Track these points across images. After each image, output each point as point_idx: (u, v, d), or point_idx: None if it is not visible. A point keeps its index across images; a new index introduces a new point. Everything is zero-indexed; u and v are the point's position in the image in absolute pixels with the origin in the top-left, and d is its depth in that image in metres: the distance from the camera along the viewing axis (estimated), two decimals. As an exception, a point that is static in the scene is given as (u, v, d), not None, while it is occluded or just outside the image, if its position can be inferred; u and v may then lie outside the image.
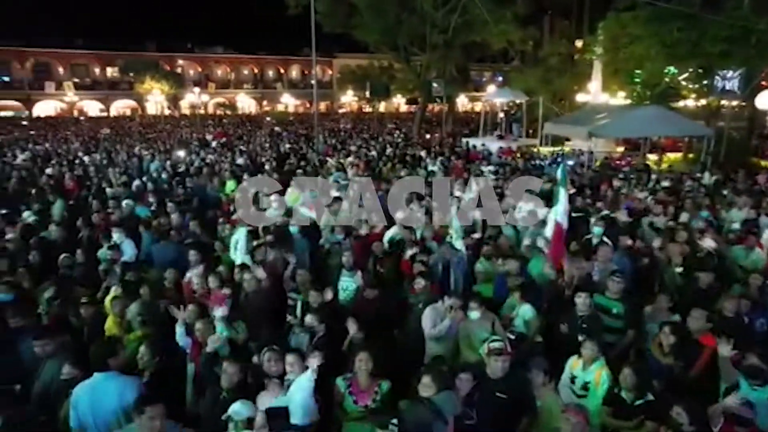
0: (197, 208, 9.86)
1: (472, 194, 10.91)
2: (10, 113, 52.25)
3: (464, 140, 23.05)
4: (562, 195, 6.99)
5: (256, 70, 67.05)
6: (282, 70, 67.92)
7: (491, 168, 14.91)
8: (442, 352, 5.04)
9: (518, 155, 19.29)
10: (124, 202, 9.72)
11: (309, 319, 5.04)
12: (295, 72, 68.95)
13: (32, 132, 29.18)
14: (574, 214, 10.11)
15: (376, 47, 32.02)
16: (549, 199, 11.22)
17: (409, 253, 6.96)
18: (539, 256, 7.01)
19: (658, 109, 17.85)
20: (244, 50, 64.34)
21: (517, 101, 25.10)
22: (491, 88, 32.58)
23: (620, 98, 25.51)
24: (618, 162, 17.21)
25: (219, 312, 4.97)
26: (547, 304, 5.65)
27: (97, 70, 58.10)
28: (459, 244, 7.24)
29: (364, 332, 5.04)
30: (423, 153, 18.24)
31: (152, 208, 9.75)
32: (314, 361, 3.88)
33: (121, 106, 57.86)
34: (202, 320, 4.76)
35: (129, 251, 7.09)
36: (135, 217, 9.15)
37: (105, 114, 55.00)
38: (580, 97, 26.27)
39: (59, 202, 9.72)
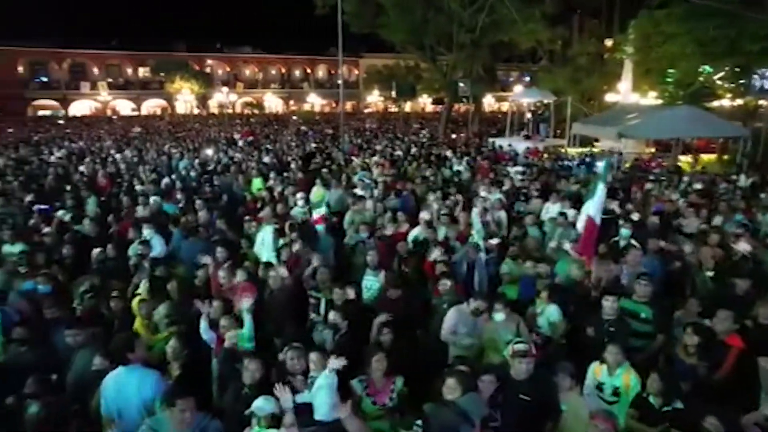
0: (224, 206, 9.99)
1: (498, 195, 10.84)
2: (48, 112, 54.03)
3: (490, 140, 22.85)
4: (600, 190, 6.85)
5: (283, 70, 67.73)
6: (309, 70, 68.45)
7: (518, 168, 14.71)
8: (466, 353, 5.00)
9: (545, 156, 19.05)
10: (152, 199, 9.94)
11: (333, 316, 5.06)
12: (321, 72, 69.43)
13: (68, 130, 30.06)
14: (603, 216, 10.01)
15: (402, 47, 32.00)
16: (578, 200, 11.19)
17: (433, 255, 6.91)
18: (566, 257, 6.91)
19: (691, 110, 17.40)
20: (272, 50, 65.06)
21: (545, 101, 24.75)
22: (518, 88, 32.25)
23: (651, 98, 24.94)
24: (648, 163, 16.82)
25: (245, 303, 5.00)
26: (573, 307, 5.54)
27: (129, 71, 59.54)
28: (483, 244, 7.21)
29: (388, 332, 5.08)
30: (449, 153, 18.15)
31: (180, 205, 9.92)
32: (335, 363, 3.90)
33: (152, 106, 59.17)
34: (227, 316, 4.81)
35: (158, 247, 7.22)
36: (163, 214, 9.35)
37: (136, 113, 56.29)
38: (610, 97, 25.78)
39: (92, 198, 9.99)
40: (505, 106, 65.84)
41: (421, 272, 6.88)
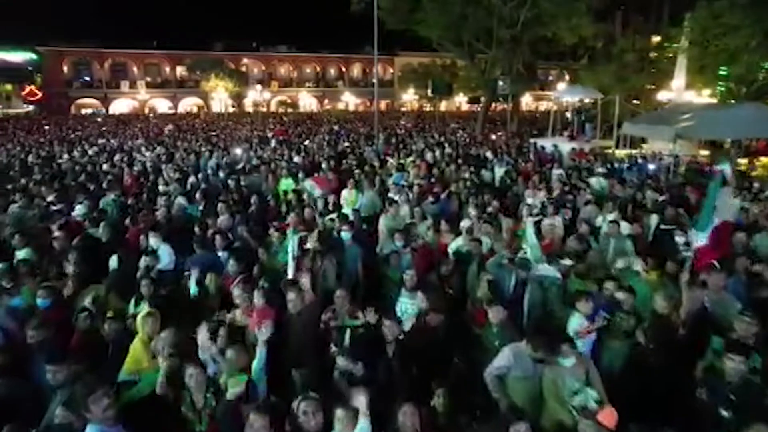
0: (250, 209, 9.27)
1: (542, 199, 9.83)
2: (90, 110, 55.39)
3: (532, 141, 21.63)
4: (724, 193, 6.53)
5: (318, 69, 67.67)
6: (343, 69, 68.18)
7: (561, 172, 13.57)
8: (520, 400, 4.11)
9: (592, 157, 17.79)
10: (177, 201, 9.37)
11: (341, 362, 4.21)
12: (356, 70, 69.08)
13: (104, 128, 30.32)
14: (663, 227, 8.90)
15: (439, 44, 31.06)
16: (634, 207, 10.05)
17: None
18: (636, 278, 5.92)
19: (754, 108, 15.84)
20: (307, 49, 65.16)
21: (586, 99, 23.33)
22: (561, 86, 30.76)
23: (706, 96, 23.27)
24: (708, 167, 15.38)
25: (262, 333, 4.26)
26: (654, 345, 4.53)
27: (167, 70, 60.50)
28: (535, 260, 6.25)
29: (419, 368, 4.25)
30: (488, 153, 17.12)
31: (201, 207, 9.30)
32: (362, 401, 3.20)
33: (188, 104, 59.95)
34: (235, 348, 4.06)
35: (166, 258, 6.52)
36: (186, 217, 8.75)
37: (173, 111, 57.04)
38: (662, 95, 24.17)
39: (109, 197, 9.46)
40: (543, 105, 64.42)
41: (465, 293, 6.02)
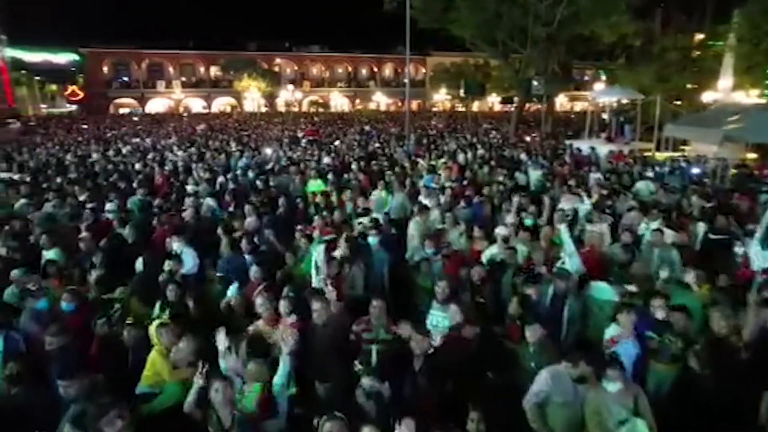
0: (277, 212, 9.10)
1: (587, 205, 9.39)
2: (127, 110, 56.92)
3: (567, 142, 20.97)
4: None
5: (350, 69, 67.83)
6: (375, 69, 68.16)
7: (599, 176, 12.98)
8: (561, 428, 3.78)
9: (631, 160, 17.07)
10: (206, 202, 9.29)
11: (367, 382, 3.90)
12: (388, 70, 68.96)
13: (139, 127, 30.95)
14: (712, 236, 8.34)
15: (472, 43, 30.53)
16: (679, 214, 9.49)
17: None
18: (685, 293, 5.48)
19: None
20: (339, 49, 65.42)
21: (623, 100, 22.44)
22: (599, 86, 29.82)
23: (754, 97, 22.11)
24: (761, 171, 14.53)
25: (287, 346, 4.03)
26: (709, 371, 4.11)
27: (201, 70, 61.64)
28: (574, 270, 5.87)
29: (453, 384, 3.96)
30: (523, 155, 16.62)
31: (230, 209, 9.20)
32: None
33: (222, 103, 60.89)
34: (257, 361, 3.84)
35: (189, 262, 6.37)
36: (214, 218, 8.66)
37: (207, 110, 58.03)
38: (706, 96, 23.11)
39: (136, 197, 9.45)
40: (577, 106, 62.90)
41: (499, 304, 5.69)
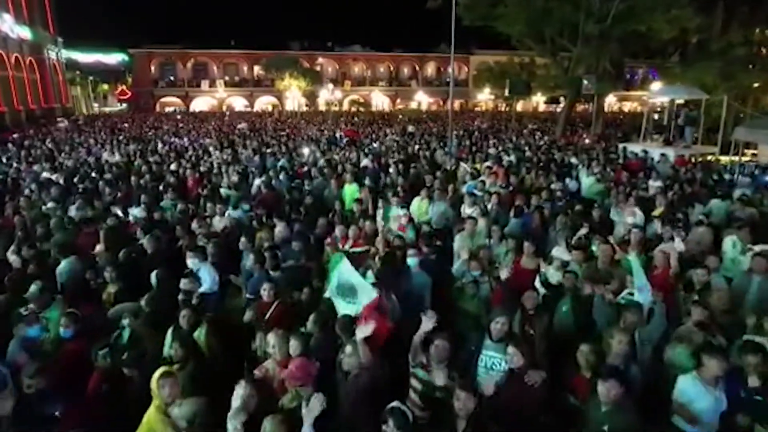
0: (309, 220, 8.46)
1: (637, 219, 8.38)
2: (172, 108, 58.20)
3: (620, 146, 19.60)
4: None
5: (391, 68, 67.34)
6: (417, 68, 67.42)
7: (660, 183, 11.79)
8: None
9: (692, 165, 15.67)
10: (228, 212, 8.73)
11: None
12: (430, 69, 68.10)
13: (181, 126, 31.17)
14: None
15: (518, 41, 29.35)
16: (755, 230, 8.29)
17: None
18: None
19: None
20: (381, 48, 65.01)
21: (679, 100, 20.79)
22: (656, 85, 27.98)
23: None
24: None
25: (308, 415, 3.33)
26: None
27: (245, 69, 62.43)
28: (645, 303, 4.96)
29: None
30: (573, 159, 15.51)
31: (261, 216, 8.65)
32: None
33: (264, 102, 61.42)
34: (272, 421, 3.16)
35: (208, 280, 5.78)
36: (241, 226, 8.12)
37: (249, 109, 58.62)
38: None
39: (166, 201, 9.03)
40: (626, 106, 60.14)
41: (551, 340, 4.83)
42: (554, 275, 5.91)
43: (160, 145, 19.22)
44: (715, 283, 5.77)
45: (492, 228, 7.57)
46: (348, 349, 3.96)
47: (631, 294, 5.20)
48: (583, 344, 4.22)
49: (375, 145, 19.98)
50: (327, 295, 5.18)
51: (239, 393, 3.43)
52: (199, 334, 4.56)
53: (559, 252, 6.11)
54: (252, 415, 3.31)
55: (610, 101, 51.96)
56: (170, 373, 3.63)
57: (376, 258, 6.26)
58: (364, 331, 3.93)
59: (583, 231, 7.53)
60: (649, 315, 4.85)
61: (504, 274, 5.71)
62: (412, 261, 5.99)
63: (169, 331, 4.57)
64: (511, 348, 4.01)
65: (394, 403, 3.29)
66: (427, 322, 4.05)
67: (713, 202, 9.68)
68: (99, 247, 6.46)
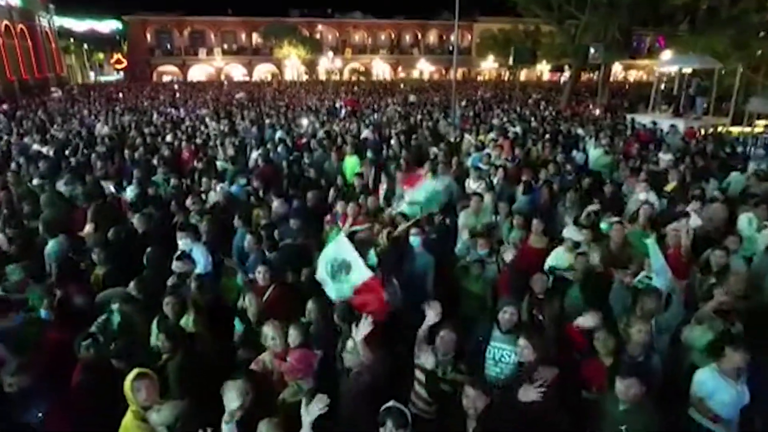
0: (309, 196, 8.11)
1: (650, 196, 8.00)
2: (169, 77, 57.12)
3: (628, 117, 19.07)
4: None
5: (393, 35, 65.88)
6: (419, 35, 65.96)
7: (670, 156, 11.39)
8: None
9: (702, 137, 15.24)
10: (219, 186, 8.35)
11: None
12: (432, 37, 66.62)
13: (178, 96, 30.46)
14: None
15: (524, 8, 28.40)
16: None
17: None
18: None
19: None
20: (382, 14, 63.52)
21: (687, 69, 20.10)
22: (666, 54, 27.14)
23: None
24: None
25: (308, 414, 2.99)
26: None
27: (243, 37, 61.00)
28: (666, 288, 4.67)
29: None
30: (580, 130, 15.07)
31: (257, 189, 8.32)
32: None
33: (262, 71, 60.24)
34: (268, 425, 2.89)
35: (202, 261, 5.45)
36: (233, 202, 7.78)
37: (247, 78, 57.51)
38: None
39: (158, 176, 8.67)
40: (632, 75, 58.84)
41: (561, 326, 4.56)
42: (564, 257, 5.61)
43: (155, 116, 18.69)
44: (734, 265, 5.47)
45: (499, 205, 7.22)
46: (348, 344, 3.69)
47: (649, 278, 4.91)
48: (599, 330, 3.94)
49: (376, 116, 19.46)
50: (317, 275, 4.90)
51: (234, 389, 3.18)
52: (187, 321, 4.30)
53: (570, 232, 5.77)
54: (248, 411, 3.06)
55: (616, 70, 50.83)
56: (145, 374, 3.27)
57: (380, 238, 5.95)
58: (362, 330, 3.62)
59: (594, 207, 7.19)
60: (667, 302, 4.56)
61: (510, 255, 5.38)
62: (414, 240, 5.69)
63: (155, 320, 4.29)
64: (522, 340, 3.73)
65: (391, 403, 3.03)
66: (431, 314, 3.76)
67: (733, 175, 9.30)
68: (88, 227, 6.10)
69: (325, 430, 3.09)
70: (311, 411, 2.90)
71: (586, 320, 4.04)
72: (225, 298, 5.25)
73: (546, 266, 5.56)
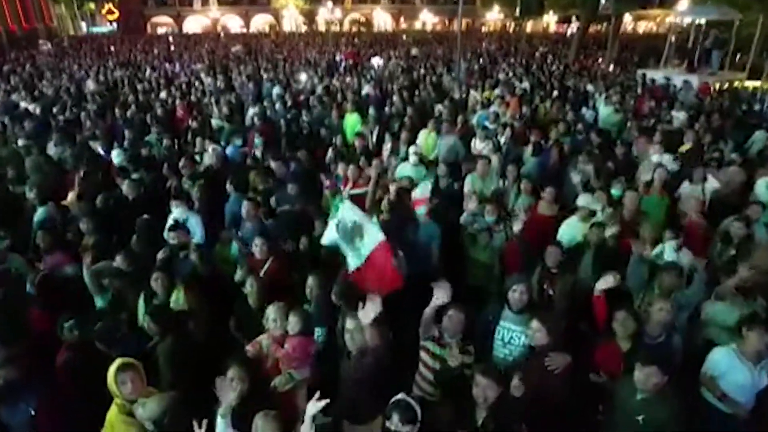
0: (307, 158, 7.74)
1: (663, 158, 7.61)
2: (164, 29, 55.26)
3: (639, 72, 18.32)
4: None
5: (394, -17, 63.24)
6: (422, -17, 63.33)
7: (684, 114, 10.90)
8: None
9: (717, 93, 14.65)
10: (210, 148, 7.85)
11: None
12: (436, -15, 64.00)
13: (173, 48, 29.39)
14: None
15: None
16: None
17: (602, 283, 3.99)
18: None
19: None
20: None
21: (700, 21, 19.14)
22: (683, 4, 25.93)
23: None
24: None
25: (309, 410, 2.75)
26: None
27: (240, -16, 58.56)
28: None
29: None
30: (590, 86, 14.50)
31: (256, 152, 7.95)
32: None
33: (260, 22, 58.16)
34: (264, 418, 2.68)
35: (198, 232, 5.16)
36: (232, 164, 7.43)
37: (244, 30, 55.64)
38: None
39: (152, 136, 8.27)
40: (642, 27, 56.77)
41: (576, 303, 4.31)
42: (578, 227, 5.31)
43: (148, 71, 18.00)
44: (758, 237, 5.19)
45: (508, 169, 6.86)
46: (350, 324, 3.42)
47: (668, 251, 4.66)
48: (618, 311, 3.70)
49: (376, 59, 18.61)
50: (324, 241, 4.62)
51: (230, 379, 2.97)
52: (177, 297, 4.04)
53: (586, 200, 5.44)
54: (244, 400, 2.86)
55: (625, 21, 49.05)
56: (129, 364, 3.00)
57: (383, 203, 5.65)
58: (371, 312, 3.35)
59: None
60: (689, 280, 4.32)
61: (518, 224, 5.05)
62: (419, 209, 5.37)
63: (141, 299, 4.05)
64: (535, 323, 3.47)
65: (400, 396, 2.81)
66: (440, 295, 3.50)
67: (757, 134, 8.87)
68: (70, 195, 5.74)
69: (326, 428, 2.90)
70: (312, 406, 2.68)
71: (607, 281, 3.82)
72: (219, 268, 5.00)
73: (559, 237, 5.27)
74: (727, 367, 3.58)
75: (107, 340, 3.45)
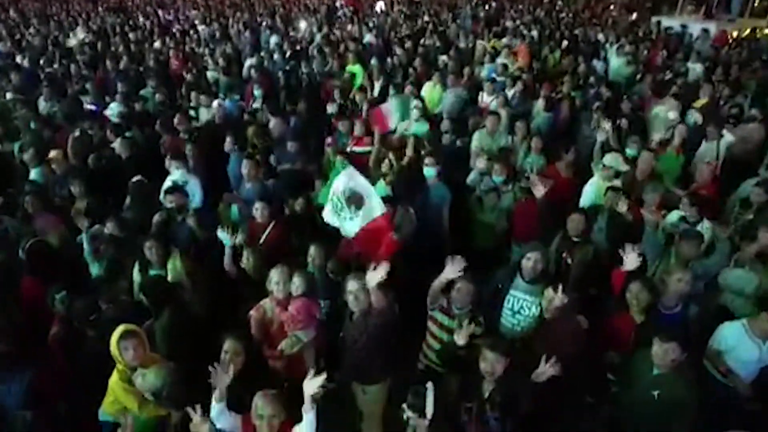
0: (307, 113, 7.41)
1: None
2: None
3: (653, 19, 17.47)
4: None
5: None
6: None
7: (700, 66, 10.43)
8: None
9: (735, 43, 13.98)
10: (215, 102, 7.49)
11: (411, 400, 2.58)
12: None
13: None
14: None
15: None
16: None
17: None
18: None
19: None
20: None
21: None
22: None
23: None
24: None
25: (310, 403, 2.60)
26: None
27: None
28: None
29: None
30: (600, 36, 13.85)
31: (254, 105, 7.62)
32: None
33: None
34: (265, 398, 2.57)
35: (197, 195, 4.93)
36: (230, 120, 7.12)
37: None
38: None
39: (147, 90, 7.90)
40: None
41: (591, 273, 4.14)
42: (598, 186, 5.06)
43: (141, 19, 17.19)
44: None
45: (517, 126, 6.54)
46: (353, 285, 3.25)
47: (683, 219, 4.46)
48: (633, 282, 3.53)
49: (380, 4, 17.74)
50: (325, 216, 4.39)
51: (223, 350, 2.87)
52: (173, 265, 3.87)
53: (613, 160, 5.14)
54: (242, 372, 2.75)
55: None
56: (132, 332, 2.93)
57: (387, 162, 5.41)
58: (377, 275, 3.15)
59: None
60: (708, 250, 4.14)
61: (540, 189, 4.66)
62: (428, 171, 5.10)
63: (135, 269, 3.89)
64: (549, 292, 3.27)
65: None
66: (450, 270, 3.33)
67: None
68: (53, 152, 5.41)
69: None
70: (312, 384, 2.56)
71: (632, 262, 3.64)
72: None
73: (583, 201, 5.04)
74: (735, 342, 3.47)
75: (82, 319, 3.29)
